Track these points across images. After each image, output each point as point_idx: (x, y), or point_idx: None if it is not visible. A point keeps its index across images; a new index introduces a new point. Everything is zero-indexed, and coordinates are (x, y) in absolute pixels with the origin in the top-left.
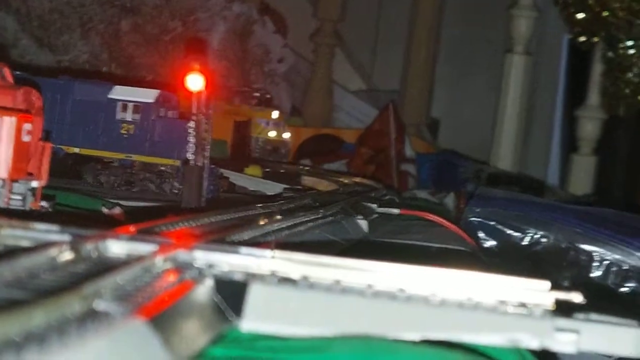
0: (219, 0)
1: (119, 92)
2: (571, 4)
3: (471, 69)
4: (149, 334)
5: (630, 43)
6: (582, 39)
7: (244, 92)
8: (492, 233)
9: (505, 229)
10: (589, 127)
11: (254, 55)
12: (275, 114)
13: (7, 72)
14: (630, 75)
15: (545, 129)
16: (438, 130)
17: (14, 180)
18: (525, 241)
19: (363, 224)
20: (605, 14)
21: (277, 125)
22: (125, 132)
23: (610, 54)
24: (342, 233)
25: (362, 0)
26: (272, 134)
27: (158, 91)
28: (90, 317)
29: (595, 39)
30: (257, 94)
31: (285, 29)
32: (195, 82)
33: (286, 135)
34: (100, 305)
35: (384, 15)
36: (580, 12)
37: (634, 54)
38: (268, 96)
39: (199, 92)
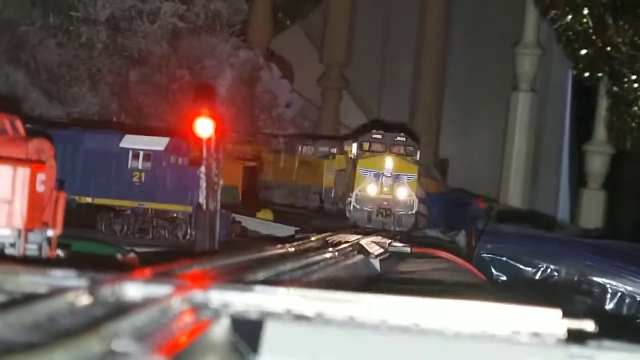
0: (226, 48)
1: (130, 141)
2: (574, 41)
3: (478, 108)
4: None
5: (634, 77)
6: (587, 74)
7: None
8: (504, 268)
9: (517, 264)
10: (597, 162)
11: (261, 100)
12: (389, 163)
13: (19, 124)
14: (635, 108)
15: (553, 164)
16: (447, 170)
17: (29, 230)
18: (538, 275)
19: (375, 262)
20: (608, 49)
21: (394, 179)
22: (137, 180)
23: (615, 88)
24: (355, 272)
25: (367, 42)
26: (373, 190)
27: (168, 139)
28: (110, 358)
29: (600, 74)
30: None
31: (292, 74)
32: (204, 128)
33: (403, 192)
34: (120, 345)
35: (389, 58)
36: (583, 48)
37: (638, 87)
38: (400, 138)
39: (209, 138)
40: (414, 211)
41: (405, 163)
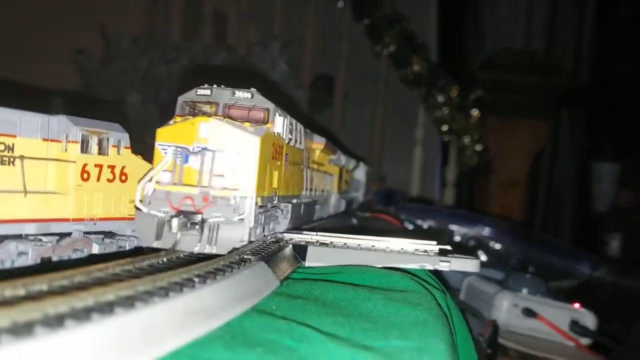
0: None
1: None
2: (440, 123)
3: (400, 152)
4: (266, 268)
5: (467, 140)
6: (447, 139)
7: None
8: (410, 223)
9: (416, 221)
10: (450, 175)
11: None
12: (204, 131)
13: None
14: (467, 153)
15: (432, 176)
16: (385, 180)
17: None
18: (425, 226)
19: (355, 220)
20: (455, 127)
21: (211, 160)
22: None
23: (458, 144)
24: (345, 223)
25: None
26: (167, 178)
27: None
28: (243, 262)
29: (451, 139)
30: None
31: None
32: None
33: (219, 182)
34: (251, 257)
35: (358, 127)
36: (444, 125)
37: (469, 145)
38: (242, 94)
39: None
40: (243, 216)
41: (238, 132)
